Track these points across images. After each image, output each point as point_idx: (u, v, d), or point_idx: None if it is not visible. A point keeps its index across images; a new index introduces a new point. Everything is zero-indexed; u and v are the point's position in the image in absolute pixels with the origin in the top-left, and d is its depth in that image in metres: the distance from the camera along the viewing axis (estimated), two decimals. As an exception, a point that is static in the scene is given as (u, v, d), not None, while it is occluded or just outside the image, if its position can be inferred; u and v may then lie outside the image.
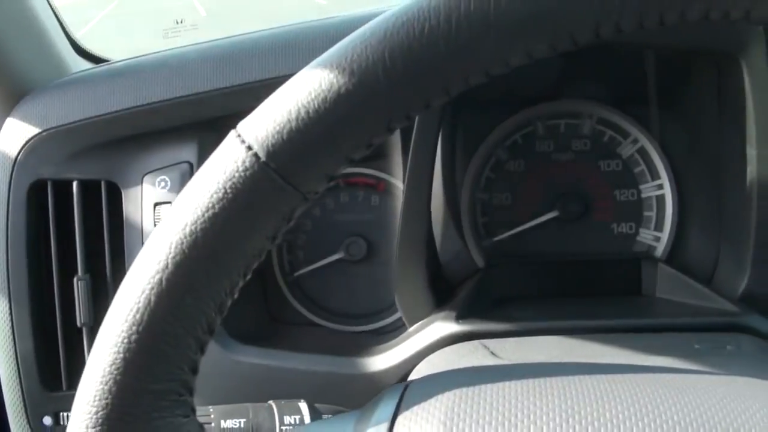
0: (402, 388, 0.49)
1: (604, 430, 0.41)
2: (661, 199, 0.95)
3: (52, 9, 1.04)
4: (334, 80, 0.39)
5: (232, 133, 0.41)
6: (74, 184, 0.88)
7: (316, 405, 0.66)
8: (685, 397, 0.44)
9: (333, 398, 0.70)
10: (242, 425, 0.64)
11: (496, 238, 0.95)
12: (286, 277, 0.98)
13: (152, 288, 0.40)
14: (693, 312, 0.84)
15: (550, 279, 0.93)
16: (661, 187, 0.94)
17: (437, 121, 0.80)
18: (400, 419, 0.44)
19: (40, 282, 0.90)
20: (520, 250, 0.95)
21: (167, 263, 0.40)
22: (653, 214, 0.95)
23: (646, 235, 0.95)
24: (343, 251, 0.96)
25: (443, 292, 0.88)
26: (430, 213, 0.83)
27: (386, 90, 0.39)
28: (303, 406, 0.65)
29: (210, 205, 0.40)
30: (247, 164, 0.40)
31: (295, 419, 0.64)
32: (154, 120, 0.85)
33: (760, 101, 0.79)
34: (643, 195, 0.95)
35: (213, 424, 0.64)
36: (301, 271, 0.97)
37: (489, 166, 0.96)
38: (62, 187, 0.89)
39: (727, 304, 0.82)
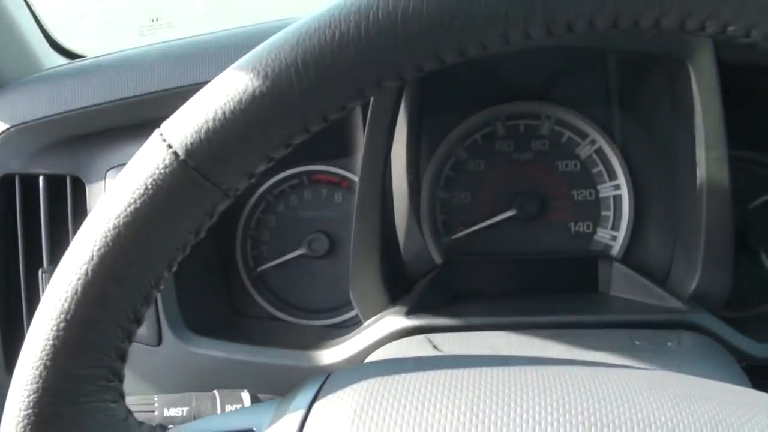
0: (324, 377, 0.50)
1: (507, 418, 0.42)
2: (618, 199, 0.96)
3: (27, 5, 1.05)
4: (249, 83, 0.41)
5: (155, 132, 0.43)
6: (41, 178, 0.90)
7: (259, 395, 0.68)
8: (594, 390, 0.45)
9: (283, 389, 0.72)
10: (184, 413, 0.66)
11: (455, 236, 0.97)
12: (250, 272, 1.00)
13: (79, 278, 0.42)
14: (643, 310, 0.86)
15: (508, 276, 0.95)
16: (618, 187, 0.96)
17: (389, 119, 0.81)
18: (315, 407, 0.46)
19: (8, 273, 0.92)
20: (478, 248, 0.97)
21: (93, 255, 0.42)
22: (610, 213, 0.96)
23: (603, 235, 0.97)
24: (305, 247, 0.97)
25: (403, 288, 0.90)
26: (385, 210, 0.85)
27: (299, 93, 0.41)
28: (245, 395, 0.67)
29: (132, 200, 0.42)
30: (167, 162, 0.42)
31: (236, 408, 0.65)
32: (116, 117, 0.87)
33: (707, 105, 0.81)
34: (601, 195, 0.97)
35: (156, 413, 0.66)
36: (265, 266, 0.99)
37: (449, 165, 0.98)
38: (29, 182, 0.91)
39: (676, 302, 0.84)
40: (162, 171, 0.42)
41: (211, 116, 0.41)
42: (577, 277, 0.94)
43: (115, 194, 0.42)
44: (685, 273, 0.88)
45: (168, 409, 0.66)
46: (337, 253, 0.98)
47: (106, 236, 0.42)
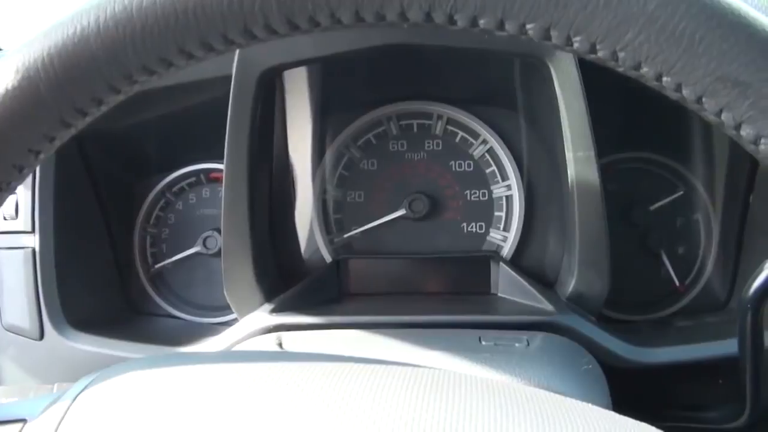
0: (100, 372, 0.51)
1: (233, 414, 0.42)
2: (510, 200, 0.96)
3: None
4: (4, 78, 0.42)
5: None
6: None
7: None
8: (365, 389, 0.45)
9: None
10: (18, 406, 0.67)
11: (347, 235, 0.97)
12: (148, 269, 1.01)
13: None
14: (518, 311, 0.85)
15: (399, 276, 0.95)
16: (510, 187, 0.95)
17: (249, 118, 0.81)
18: (81, 397, 0.47)
19: None
20: (371, 247, 0.97)
21: None
22: (503, 214, 0.96)
23: (495, 235, 0.96)
24: (199, 245, 0.98)
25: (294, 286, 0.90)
26: (255, 209, 0.85)
27: (47, 87, 0.42)
28: (80, 389, 0.68)
29: None
30: None
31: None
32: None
33: (570, 105, 0.80)
34: (494, 195, 0.96)
35: (-8, 404, 0.67)
36: (162, 264, 1.00)
37: (342, 164, 0.98)
38: None
39: (548, 304, 0.84)
40: None
41: None
42: (470, 277, 0.94)
43: None
44: (567, 275, 0.87)
45: (6, 400, 0.67)
46: (230, 251, 0.98)
47: None
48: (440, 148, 0.97)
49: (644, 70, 0.37)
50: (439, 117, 0.97)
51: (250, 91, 0.80)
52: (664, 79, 0.37)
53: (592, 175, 0.81)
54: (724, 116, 0.36)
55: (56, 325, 0.88)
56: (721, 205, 0.98)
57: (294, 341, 0.73)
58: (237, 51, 0.80)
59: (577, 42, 0.37)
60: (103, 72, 0.42)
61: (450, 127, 0.97)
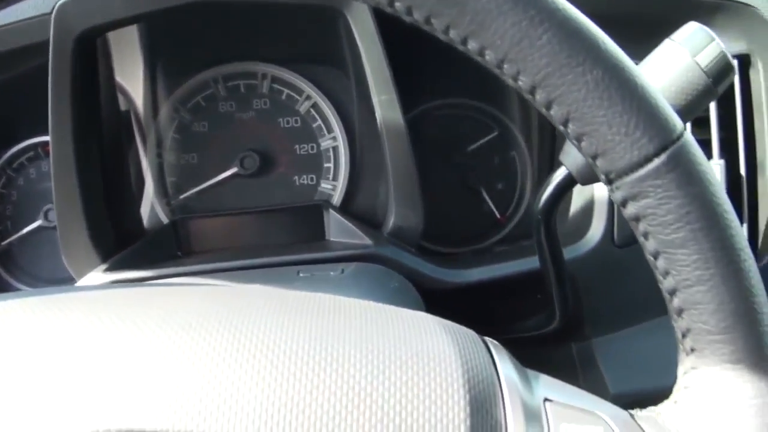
0: None
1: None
2: (336, 151, 1.02)
3: None
4: None
5: None
6: None
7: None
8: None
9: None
10: None
11: (183, 196, 1.01)
12: (-6, 247, 1.03)
13: None
14: (341, 248, 0.92)
15: (237, 231, 0.99)
16: (336, 139, 1.02)
17: (69, 85, 0.83)
18: None
19: None
20: (208, 207, 1.02)
21: None
22: (331, 165, 1.02)
23: (326, 186, 1.02)
24: (42, 218, 1.01)
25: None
26: (85, 175, 0.88)
27: None
28: None
29: None
30: None
31: None
32: None
33: (369, 52, 0.86)
34: (322, 148, 1.02)
35: None
36: (7, 242, 1.02)
37: (174, 127, 1.02)
38: None
39: (368, 240, 0.90)
40: None
41: None
42: (305, 226, 1.00)
43: None
44: (388, 213, 0.94)
45: None
46: (74, 222, 1.01)
47: None
48: (268, 106, 1.03)
49: (398, 5, 0.43)
50: (264, 76, 1.02)
51: (67, 57, 0.82)
52: (397, 4, 0.43)
53: (396, 116, 0.88)
54: (452, 33, 0.42)
55: None
56: (537, 142, 1.07)
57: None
58: (53, 16, 0.81)
59: None
60: None
61: (276, 86, 1.02)
